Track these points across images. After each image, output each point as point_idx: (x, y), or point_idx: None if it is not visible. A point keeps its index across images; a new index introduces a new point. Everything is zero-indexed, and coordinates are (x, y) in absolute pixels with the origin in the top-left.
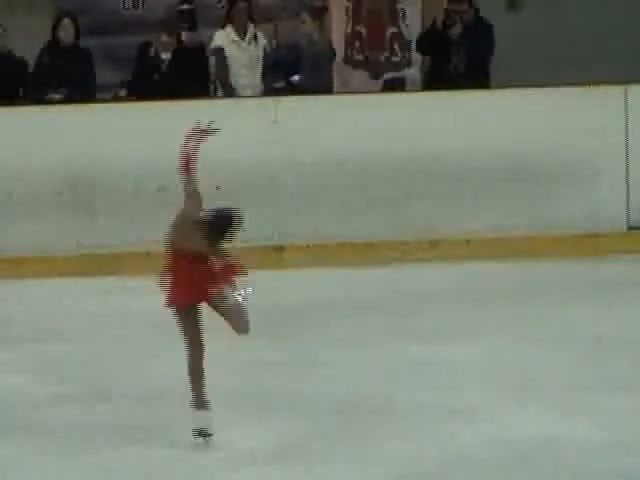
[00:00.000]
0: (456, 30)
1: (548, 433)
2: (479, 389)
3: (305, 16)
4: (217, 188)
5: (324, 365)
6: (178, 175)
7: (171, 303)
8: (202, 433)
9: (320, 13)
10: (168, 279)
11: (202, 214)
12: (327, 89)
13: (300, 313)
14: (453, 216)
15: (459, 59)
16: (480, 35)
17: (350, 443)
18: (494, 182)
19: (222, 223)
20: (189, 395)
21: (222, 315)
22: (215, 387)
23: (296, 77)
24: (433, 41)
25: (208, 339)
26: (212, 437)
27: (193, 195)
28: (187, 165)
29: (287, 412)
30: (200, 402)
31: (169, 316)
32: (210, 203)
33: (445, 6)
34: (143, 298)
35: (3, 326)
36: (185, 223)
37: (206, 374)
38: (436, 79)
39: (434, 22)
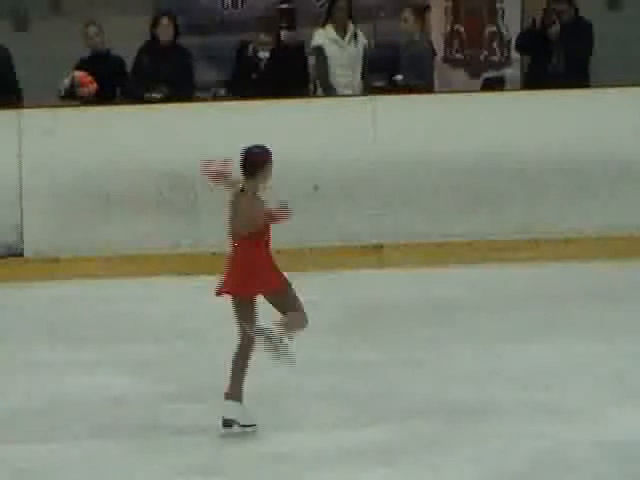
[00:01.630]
0: (555, 29)
1: None
2: (577, 389)
3: (408, 14)
4: (315, 188)
5: (422, 365)
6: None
7: (236, 293)
8: (229, 424)
9: (422, 12)
10: (233, 270)
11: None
12: (428, 88)
13: (398, 312)
14: (552, 215)
15: (558, 58)
16: (579, 34)
17: (448, 443)
18: (593, 181)
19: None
20: (268, 392)
21: (282, 307)
22: (312, 386)
23: (399, 77)
24: (532, 40)
25: (299, 338)
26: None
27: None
28: (218, 174)
29: (385, 412)
30: (238, 393)
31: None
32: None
33: (545, 5)
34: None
35: (102, 326)
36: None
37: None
38: (536, 78)
39: (534, 21)
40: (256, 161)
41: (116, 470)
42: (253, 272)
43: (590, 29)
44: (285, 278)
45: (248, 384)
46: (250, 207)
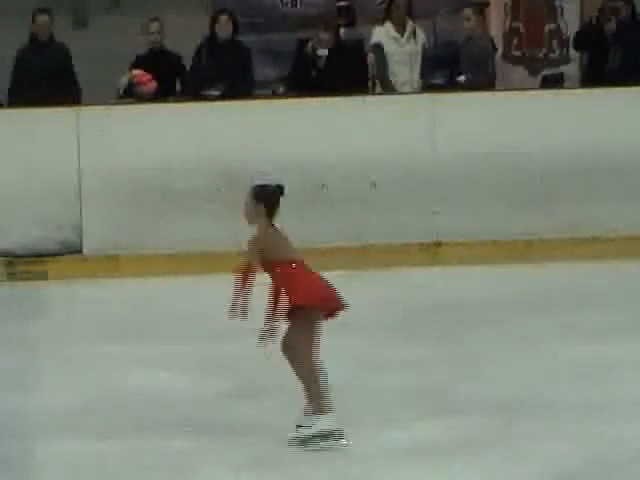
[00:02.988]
0: (610, 27)
1: None
2: (633, 388)
3: (469, 12)
4: (373, 185)
5: (484, 364)
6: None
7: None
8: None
9: (483, 9)
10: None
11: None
12: (489, 85)
13: (458, 311)
14: (611, 214)
15: (615, 56)
16: (636, 32)
17: (510, 442)
18: None
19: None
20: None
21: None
22: (372, 386)
23: (462, 77)
24: (589, 38)
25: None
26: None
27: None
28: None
29: (446, 411)
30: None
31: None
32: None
33: (601, 3)
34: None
35: (162, 324)
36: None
37: None
38: (594, 75)
39: (591, 19)
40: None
41: (174, 468)
42: None
43: None
44: None
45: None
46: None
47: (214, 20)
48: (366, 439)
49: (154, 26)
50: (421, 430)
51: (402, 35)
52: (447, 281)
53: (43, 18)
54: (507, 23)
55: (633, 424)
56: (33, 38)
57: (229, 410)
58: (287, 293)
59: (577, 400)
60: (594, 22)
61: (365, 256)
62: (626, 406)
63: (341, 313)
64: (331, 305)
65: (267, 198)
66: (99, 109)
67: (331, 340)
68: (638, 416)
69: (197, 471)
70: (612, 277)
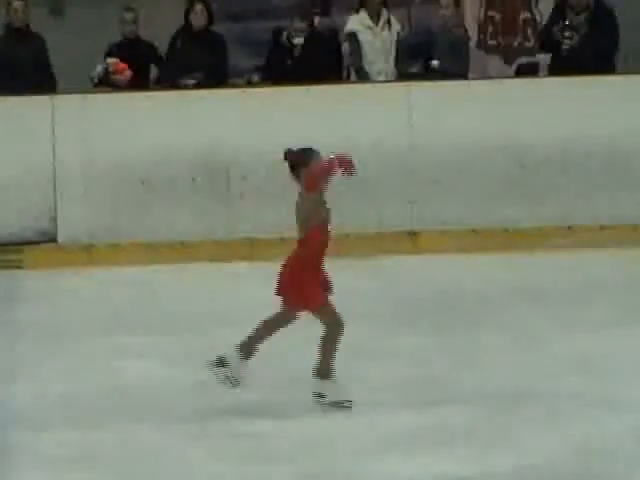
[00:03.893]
0: (577, 19)
1: None
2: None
3: (445, 0)
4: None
5: (478, 354)
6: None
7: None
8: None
9: None
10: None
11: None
12: (462, 74)
13: (450, 301)
14: (591, 202)
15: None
16: (602, 22)
17: (507, 432)
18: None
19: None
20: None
21: None
22: (367, 375)
23: (435, 62)
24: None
25: (353, 329)
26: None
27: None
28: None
29: (441, 401)
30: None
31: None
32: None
33: None
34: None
35: (137, 313)
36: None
37: None
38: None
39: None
40: (295, 161)
41: (177, 458)
42: None
43: (613, 16)
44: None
45: (292, 369)
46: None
47: (189, 9)
48: (363, 428)
49: (129, 16)
50: (417, 420)
51: (377, 24)
52: (427, 270)
53: (18, 4)
54: (482, 12)
55: (634, 416)
56: (8, 26)
57: (220, 399)
58: None
59: (572, 391)
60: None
61: (343, 245)
62: (626, 398)
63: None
64: None
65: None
66: (74, 97)
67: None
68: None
69: (190, 461)
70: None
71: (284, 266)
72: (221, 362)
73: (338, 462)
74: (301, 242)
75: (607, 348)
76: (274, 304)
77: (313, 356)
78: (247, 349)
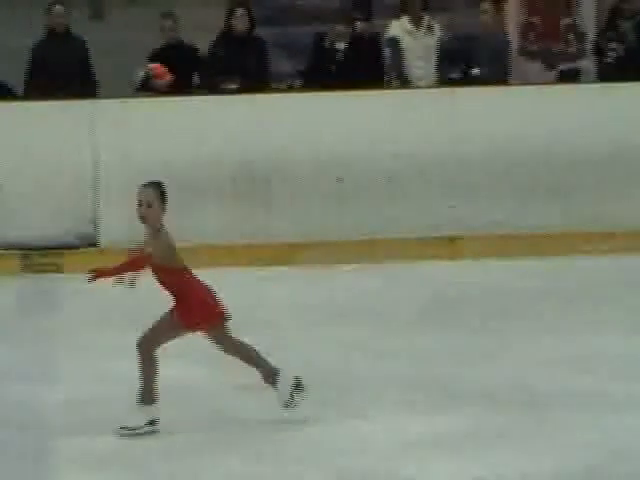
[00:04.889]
0: (626, 26)
1: None
2: None
3: (486, 5)
4: (389, 180)
5: (501, 355)
6: None
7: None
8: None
9: (500, 3)
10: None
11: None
12: (503, 80)
13: (476, 304)
14: (629, 207)
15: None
16: None
17: (525, 433)
18: None
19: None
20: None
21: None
22: (392, 376)
23: (476, 70)
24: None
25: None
26: None
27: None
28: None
29: (463, 401)
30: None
31: (334, 308)
32: None
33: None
34: (317, 288)
35: None
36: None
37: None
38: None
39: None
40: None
41: (215, 459)
42: None
43: None
44: None
45: (322, 371)
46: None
47: (230, 14)
48: (382, 428)
49: (167, 23)
50: (437, 421)
51: (418, 29)
52: (463, 274)
53: (58, 9)
54: (523, 17)
55: None
56: (49, 30)
57: (235, 402)
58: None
59: (591, 390)
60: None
61: (379, 249)
62: None
63: (363, 307)
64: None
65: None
66: (115, 102)
67: (351, 332)
68: None
69: (227, 463)
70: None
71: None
72: (298, 385)
73: (352, 465)
74: None
75: (624, 349)
76: (311, 308)
77: (335, 360)
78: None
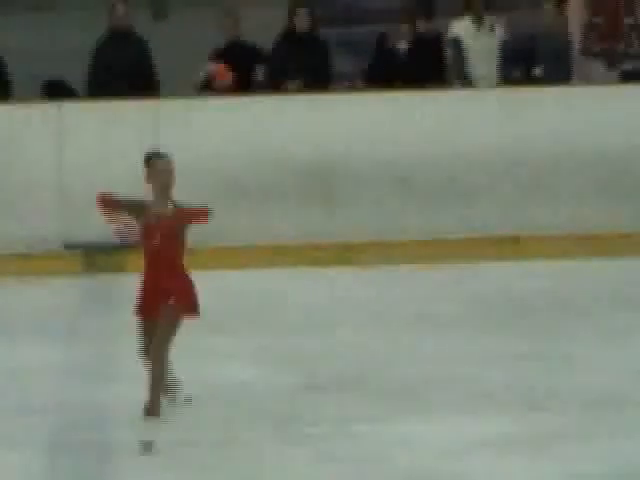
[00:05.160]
0: None
1: None
2: None
3: (549, 6)
4: (452, 180)
5: (576, 359)
6: None
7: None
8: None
9: (562, 3)
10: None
11: None
12: (566, 80)
13: (543, 305)
14: None
15: None
16: None
17: (595, 439)
18: None
19: None
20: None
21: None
22: (472, 382)
23: (538, 70)
24: None
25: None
26: None
27: None
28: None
29: (531, 406)
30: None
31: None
32: None
33: None
34: (375, 288)
35: (236, 317)
36: None
37: None
38: None
39: None
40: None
41: (274, 459)
42: None
43: None
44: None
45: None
46: None
47: (292, 13)
48: (448, 432)
49: (228, 22)
50: (505, 424)
51: (480, 29)
52: (527, 275)
53: (121, 8)
54: (586, 17)
55: None
56: (112, 29)
57: (299, 402)
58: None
59: None
60: None
61: (442, 250)
62: None
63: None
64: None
65: None
66: (178, 102)
67: (414, 336)
68: None
69: (286, 462)
70: None
71: None
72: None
73: (418, 466)
74: None
75: None
76: (370, 308)
77: (406, 362)
78: None
